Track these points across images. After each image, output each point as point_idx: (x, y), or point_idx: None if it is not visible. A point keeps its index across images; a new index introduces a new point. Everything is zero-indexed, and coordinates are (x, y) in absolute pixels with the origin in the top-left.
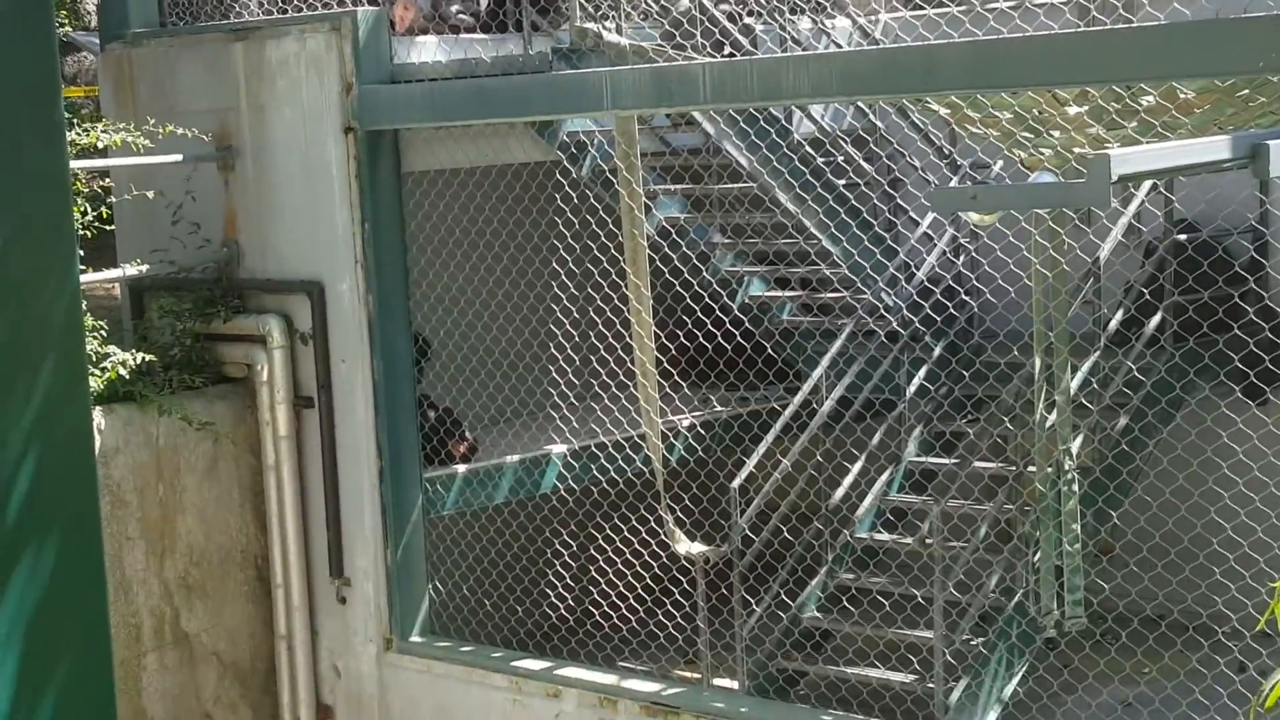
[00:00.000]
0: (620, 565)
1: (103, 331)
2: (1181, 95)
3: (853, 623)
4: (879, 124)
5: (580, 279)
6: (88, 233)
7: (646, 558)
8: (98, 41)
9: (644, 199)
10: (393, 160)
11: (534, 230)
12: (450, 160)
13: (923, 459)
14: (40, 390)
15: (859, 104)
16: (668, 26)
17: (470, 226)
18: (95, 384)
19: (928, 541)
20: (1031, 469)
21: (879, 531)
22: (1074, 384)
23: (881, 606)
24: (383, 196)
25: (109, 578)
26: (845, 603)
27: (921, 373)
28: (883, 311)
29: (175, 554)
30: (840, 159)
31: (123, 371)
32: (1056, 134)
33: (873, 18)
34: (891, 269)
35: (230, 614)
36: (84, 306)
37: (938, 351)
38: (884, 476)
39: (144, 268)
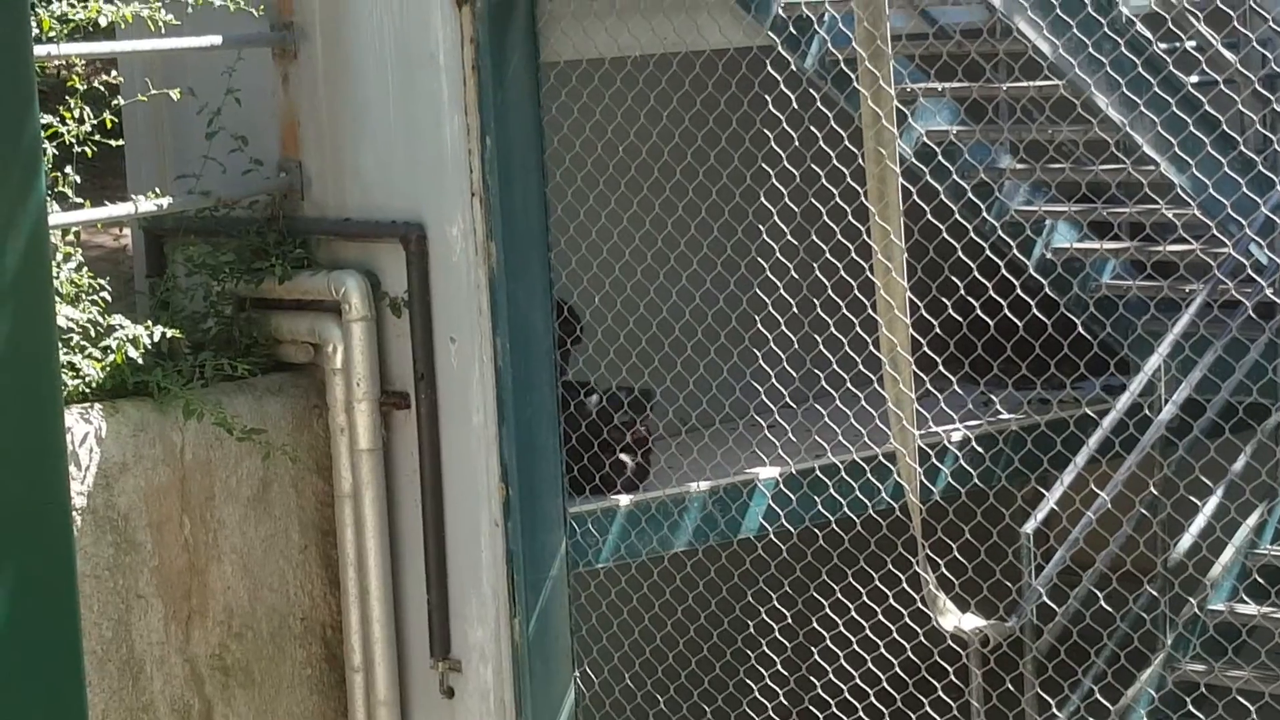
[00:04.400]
0: (857, 645)
1: (104, 295)
2: None
3: None
4: None
5: (800, 223)
6: (86, 149)
7: (895, 635)
8: None
9: (896, 103)
10: (527, 45)
11: (732, 150)
12: (611, 46)
13: None
14: None
15: None
16: None
17: (639, 144)
18: (94, 371)
19: None
20: None
21: (1243, 601)
22: None
23: (1246, 713)
24: (512, 99)
25: (111, 654)
26: (1191, 707)
27: None
28: (1250, 272)
29: (208, 621)
30: (1189, 44)
31: (133, 353)
32: None
33: None
34: (1265, 209)
35: (287, 710)
36: (78, 259)
37: None
38: (1251, 519)
39: (165, 201)
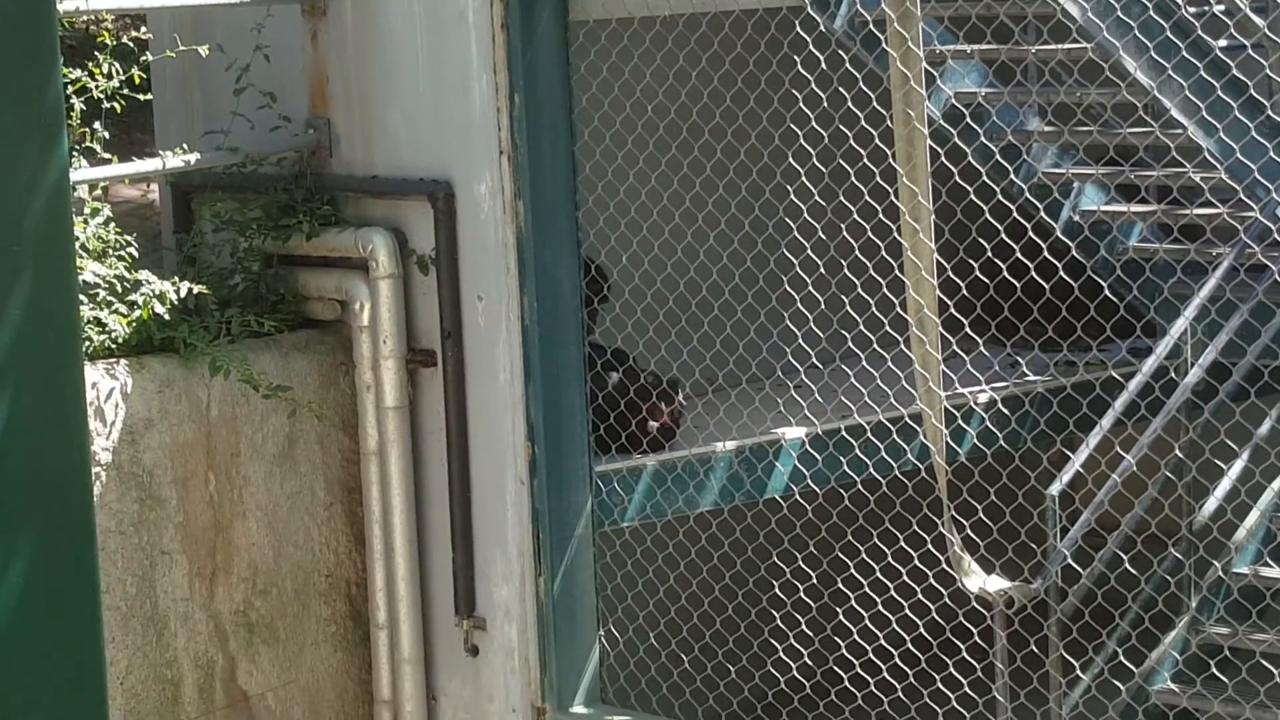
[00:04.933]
0: (881, 606)
1: (131, 251)
2: None
3: (1224, 699)
4: None
5: (828, 184)
6: (115, 104)
7: (920, 596)
8: None
9: (925, 65)
10: (556, 4)
11: (759, 111)
12: (640, 5)
13: None
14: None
15: None
16: None
17: (667, 104)
18: (120, 327)
19: None
20: None
21: (1267, 564)
22: None
23: (1269, 676)
24: (541, 58)
25: (135, 609)
26: (1215, 670)
27: None
28: (1277, 236)
29: (232, 577)
30: (1218, 7)
31: (160, 309)
32: None
33: None
34: None
35: (310, 667)
36: (106, 214)
37: None
38: (1277, 482)
39: (193, 157)
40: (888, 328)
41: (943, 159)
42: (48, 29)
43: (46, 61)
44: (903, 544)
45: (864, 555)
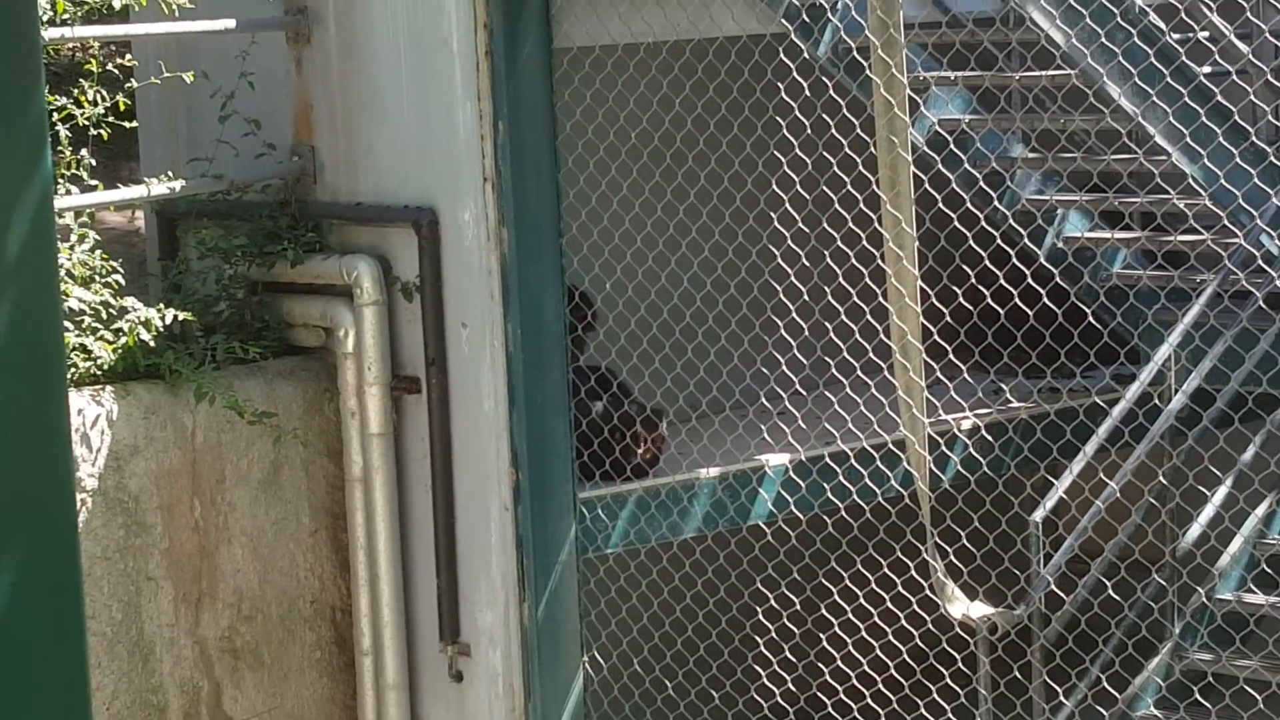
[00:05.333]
0: (865, 633)
1: (117, 278)
2: None
3: None
4: None
5: (811, 211)
6: (101, 131)
7: (903, 622)
8: None
9: (909, 92)
10: (540, 31)
11: (744, 138)
12: (624, 33)
13: None
14: None
15: None
16: None
17: (651, 131)
18: (105, 353)
19: None
20: None
21: (1250, 591)
22: None
23: (1253, 703)
24: (525, 85)
25: (121, 635)
26: (1198, 696)
27: None
28: (1261, 263)
29: (217, 603)
30: (1202, 34)
31: (145, 336)
32: None
33: None
34: (1276, 200)
35: (295, 692)
36: (92, 239)
37: None
38: (1260, 509)
39: (178, 185)
40: (871, 354)
41: (926, 186)
42: (31, 48)
43: (30, 80)
44: (886, 570)
45: (847, 581)
